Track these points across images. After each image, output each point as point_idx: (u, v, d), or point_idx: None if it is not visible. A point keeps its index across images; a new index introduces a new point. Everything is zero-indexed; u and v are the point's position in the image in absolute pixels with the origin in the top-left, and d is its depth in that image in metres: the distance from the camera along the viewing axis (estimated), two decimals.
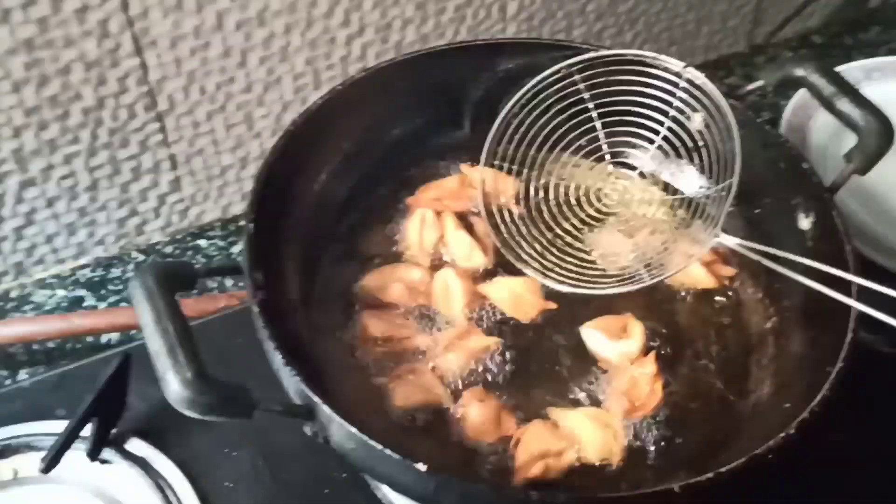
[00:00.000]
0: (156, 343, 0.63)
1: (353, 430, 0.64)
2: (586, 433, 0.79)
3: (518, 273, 0.88)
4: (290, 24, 1.03)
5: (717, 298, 0.91)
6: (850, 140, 0.88)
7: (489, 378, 0.83)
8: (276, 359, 0.68)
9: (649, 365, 0.83)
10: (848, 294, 0.75)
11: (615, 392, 0.83)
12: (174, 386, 0.61)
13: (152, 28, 0.96)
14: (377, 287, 0.88)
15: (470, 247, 0.90)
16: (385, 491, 0.86)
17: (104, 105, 0.99)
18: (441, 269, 0.89)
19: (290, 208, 0.85)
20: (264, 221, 0.78)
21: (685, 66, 0.86)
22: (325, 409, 0.65)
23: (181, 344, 0.63)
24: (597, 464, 0.78)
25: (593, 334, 0.86)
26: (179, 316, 0.65)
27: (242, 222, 1.15)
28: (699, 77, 0.85)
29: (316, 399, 0.66)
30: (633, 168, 0.95)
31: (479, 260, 0.90)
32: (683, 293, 0.91)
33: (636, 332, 0.86)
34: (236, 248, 1.14)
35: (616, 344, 0.85)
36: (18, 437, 0.88)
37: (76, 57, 0.94)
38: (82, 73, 0.95)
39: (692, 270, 0.89)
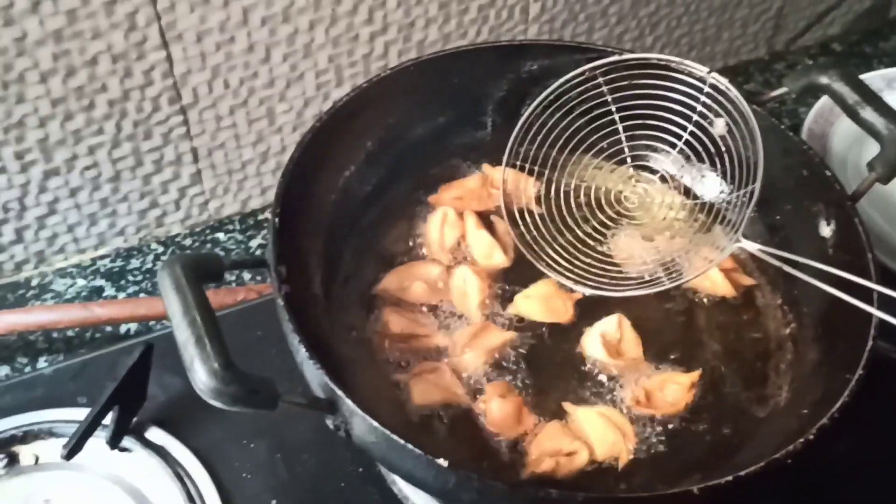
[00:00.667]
0: (184, 333, 0.63)
1: (375, 423, 0.65)
2: (596, 431, 0.79)
3: (537, 276, 0.88)
4: (315, 21, 1.03)
5: (737, 304, 0.91)
6: (870, 149, 0.88)
7: (508, 375, 0.84)
8: (301, 352, 0.69)
9: (689, 379, 0.83)
10: (869, 302, 0.75)
11: (637, 384, 0.83)
12: (201, 376, 0.61)
13: (179, 22, 0.96)
14: (397, 287, 0.88)
15: (490, 246, 0.91)
16: (400, 485, 0.87)
17: (129, 97, 1.00)
18: (458, 267, 0.90)
19: (313, 203, 0.86)
20: (289, 216, 0.79)
21: (709, 72, 0.87)
22: (348, 403, 0.66)
23: (209, 334, 0.63)
24: (604, 463, 0.79)
25: (596, 331, 0.86)
26: (207, 307, 0.65)
27: (261, 217, 1.17)
28: (723, 82, 0.86)
29: (339, 392, 0.66)
30: (654, 172, 0.95)
31: (499, 259, 0.91)
32: (703, 298, 0.91)
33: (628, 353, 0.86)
34: (254, 243, 1.15)
35: (600, 343, 0.85)
36: (40, 423, 0.88)
37: (103, 49, 0.94)
38: (109, 65, 0.96)
39: (711, 276, 0.90)
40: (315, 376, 0.68)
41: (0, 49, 0.90)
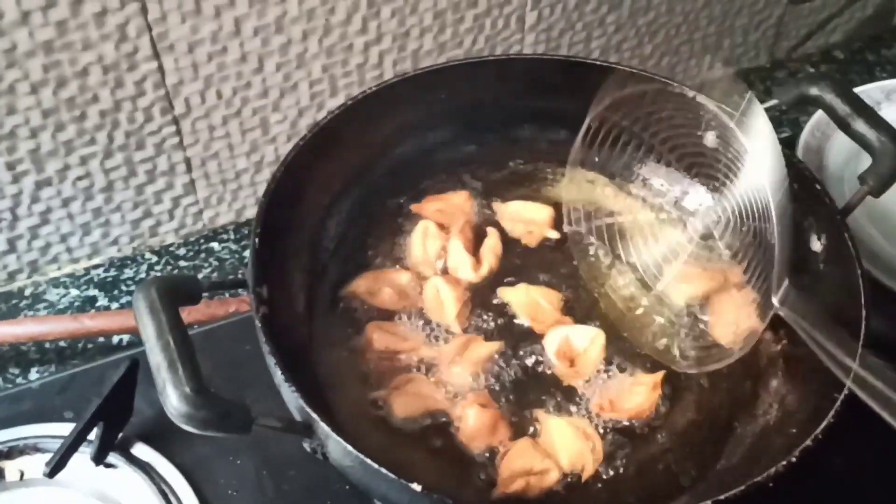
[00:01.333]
0: (157, 357, 0.63)
1: (350, 448, 0.65)
2: (564, 441, 0.79)
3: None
4: (308, 31, 1.03)
5: None
6: (867, 162, 0.87)
7: (495, 385, 0.83)
8: (277, 374, 0.69)
9: (652, 379, 0.83)
10: (858, 324, 0.75)
11: (604, 390, 0.83)
12: (173, 400, 0.61)
13: (170, 32, 0.96)
14: (365, 291, 0.88)
15: (462, 260, 0.91)
16: None
17: (121, 108, 0.99)
18: (432, 278, 0.90)
19: (298, 221, 0.86)
20: (271, 235, 0.78)
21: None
22: (323, 426, 0.66)
23: (181, 359, 0.63)
24: (569, 475, 0.78)
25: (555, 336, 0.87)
26: (182, 330, 0.65)
27: None
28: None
29: (314, 416, 0.66)
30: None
31: (468, 275, 0.90)
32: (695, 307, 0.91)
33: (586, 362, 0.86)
34: (248, 253, 1.14)
35: (556, 345, 0.85)
36: (26, 438, 0.88)
37: (94, 60, 0.94)
38: (100, 76, 0.96)
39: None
40: (291, 399, 0.68)
41: None
